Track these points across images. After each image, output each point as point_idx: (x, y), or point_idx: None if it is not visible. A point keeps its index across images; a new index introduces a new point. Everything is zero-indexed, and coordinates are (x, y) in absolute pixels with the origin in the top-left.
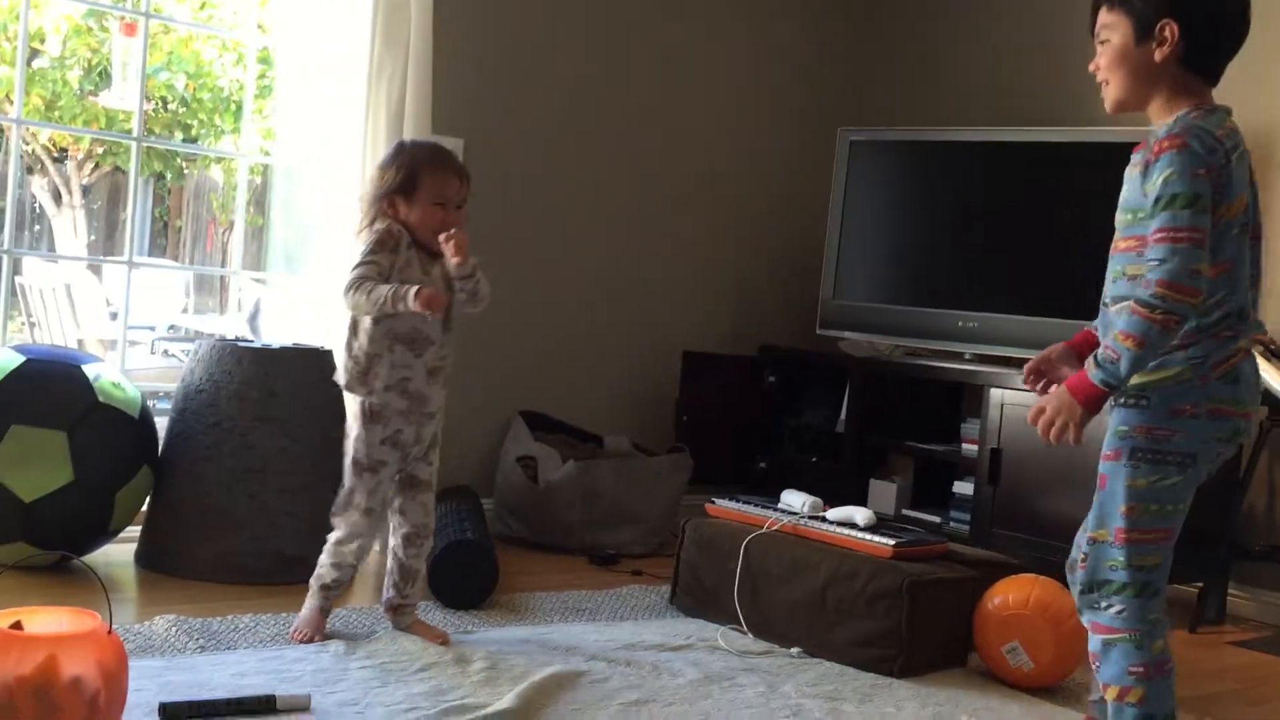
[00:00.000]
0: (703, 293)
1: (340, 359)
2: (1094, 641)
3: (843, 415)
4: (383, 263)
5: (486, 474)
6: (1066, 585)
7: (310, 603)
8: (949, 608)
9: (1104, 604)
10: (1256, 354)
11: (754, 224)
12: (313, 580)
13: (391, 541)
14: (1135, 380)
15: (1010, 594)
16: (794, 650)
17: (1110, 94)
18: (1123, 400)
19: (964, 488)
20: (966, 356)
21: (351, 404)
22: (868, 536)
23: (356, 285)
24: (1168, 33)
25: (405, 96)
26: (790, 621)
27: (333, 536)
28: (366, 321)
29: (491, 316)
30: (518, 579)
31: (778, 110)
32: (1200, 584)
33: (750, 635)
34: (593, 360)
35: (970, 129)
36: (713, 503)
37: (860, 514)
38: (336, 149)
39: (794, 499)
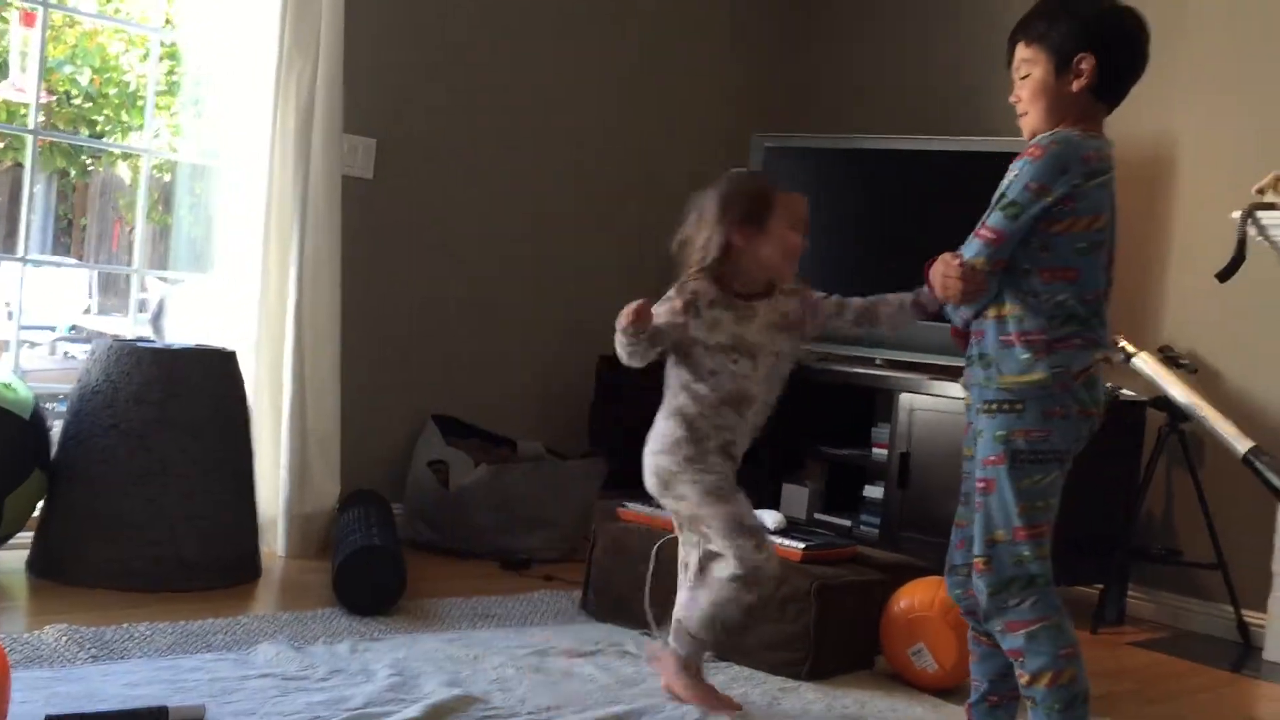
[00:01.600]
0: (620, 296)
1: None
2: (1014, 640)
3: None
4: (665, 330)
5: (397, 479)
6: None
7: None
8: (857, 611)
9: (1016, 601)
10: (1155, 361)
11: (672, 228)
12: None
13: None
14: (1007, 386)
15: (916, 597)
16: (705, 654)
17: (1028, 123)
18: (997, 407)
19: (874, 491)
20: (877, 362)
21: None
22: (778, 540)
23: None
24: (1085, 65)
25: (315, 94)
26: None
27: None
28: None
29: (404, 318)
30: (427, 585)
31: (695, 114)
32: (1101, 586)
33: (661, 640)
34: (508, 364)
35: (882, 137)
36: (625, 506)
37: (771, 517)
38: (244, 147)
39: None
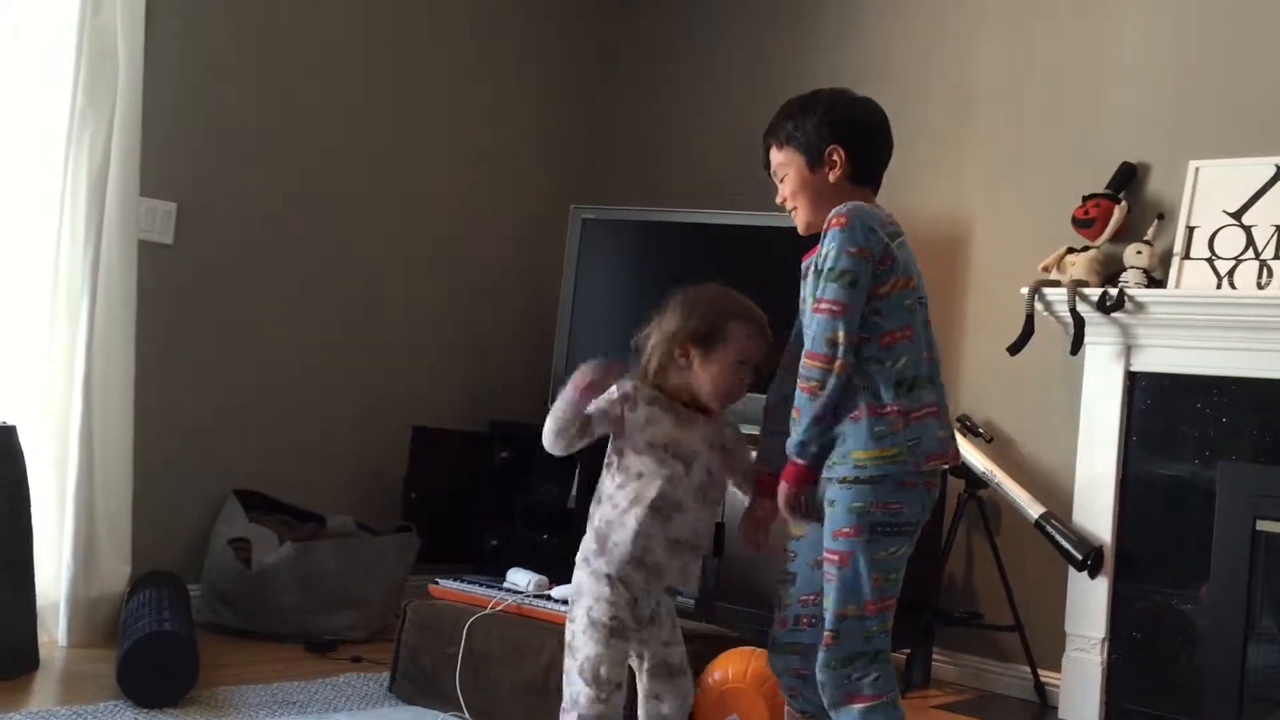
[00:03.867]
0: (434, 365)
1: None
2: (848, 715)
3: (574, 491)
4: (597, 417)
5: (195, 558)
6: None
7: None
8: None
9: (860, 675)
10: (955, 430)
11: (488, 297)
12: None
13: None
14: (861, 459)
15: (729, 667)
16: None
17: (800, 218)
18: (853, 479)
19: None
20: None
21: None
22: None
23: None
24: (836, 156)
25: (110, 154)
26: (513, 704)
27: None
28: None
29: (205, 389)
30: (224, 672)
31: (513, 184)
32: (908, 650)
33: None
34: (316, 436)
35: (695, 211)
36: (436, 583)
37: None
38: (30, 210)
39: (520, 577)
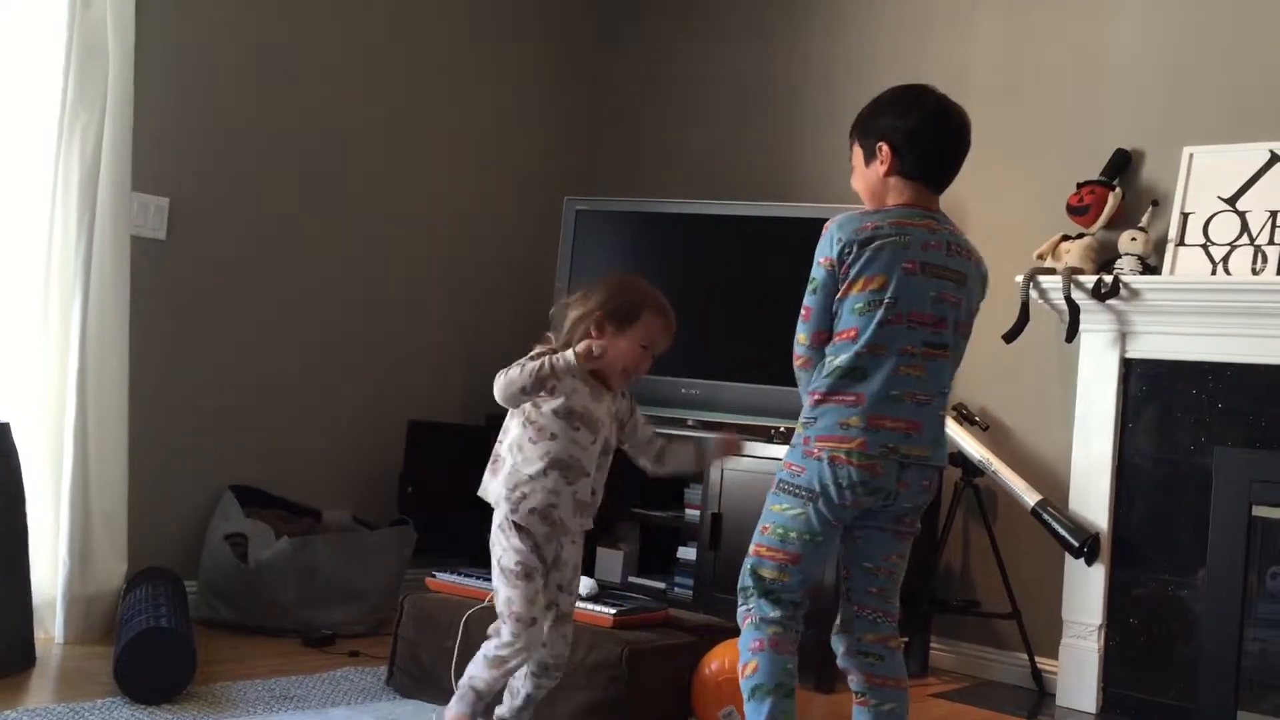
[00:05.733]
0: (429, 359)
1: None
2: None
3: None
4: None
5: (192, 555)
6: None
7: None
8: (669, 674)
9: (740, 603)
10: (951, 419)
11: (484, 290)
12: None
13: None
14: (795, 428)
15: (726, 658)
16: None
17: (863, 204)
18: (790, 443)
19: (688, 553)
20: (689, 423)
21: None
22: (589, 606)
23: (508, 368)
24: (883, 151)
25: (101, 151)
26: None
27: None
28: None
29: (199, 385)
30: (221, 668)
31: (508, 177)
32: (905, 639)
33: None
34: (312, 431)
35: (686, 202)
36: (433, 576)
37: (583, 583)
38: (21, 206)
39: None
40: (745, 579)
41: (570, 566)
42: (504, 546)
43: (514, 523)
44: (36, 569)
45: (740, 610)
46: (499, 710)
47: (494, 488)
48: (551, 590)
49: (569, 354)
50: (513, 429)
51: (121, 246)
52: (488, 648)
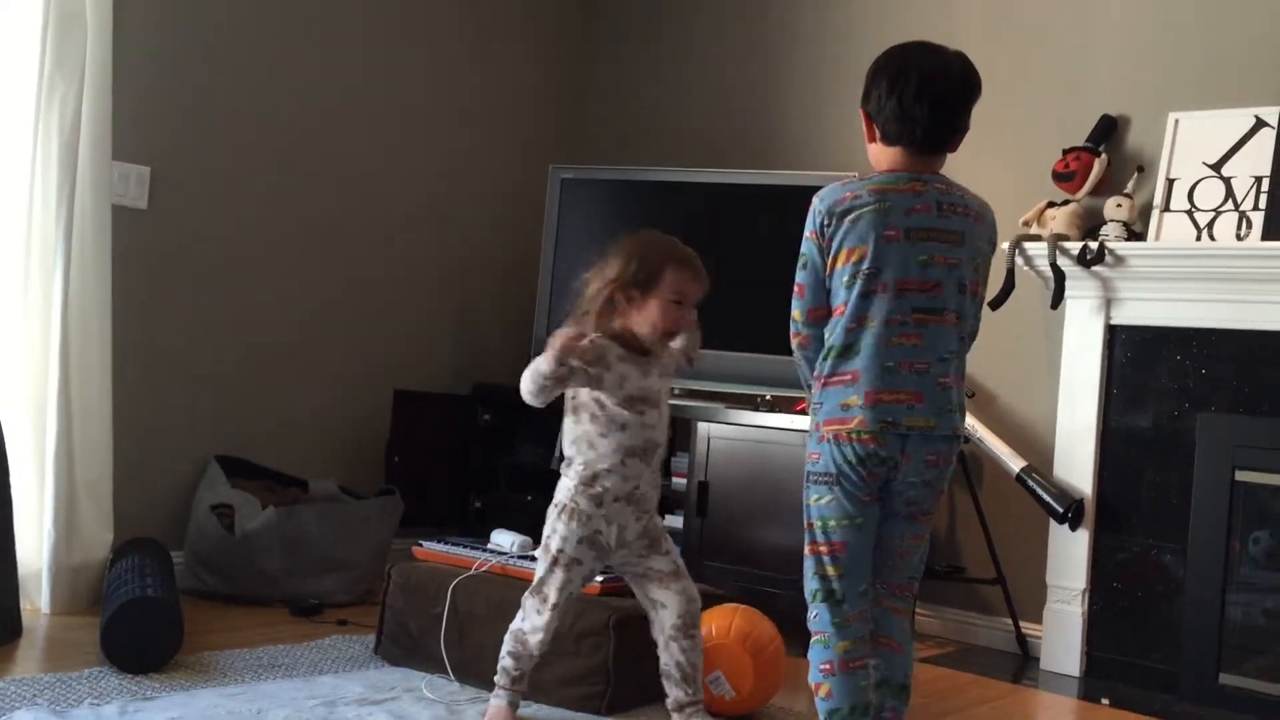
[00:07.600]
0: (415, 328)
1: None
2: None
3: (557, 453)
4: (578, 373)
5: (177, 525)
6: (769, 613)
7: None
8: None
9: (809, 612)
10: None
11: (470, 258)
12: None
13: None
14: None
15: (713, 624)
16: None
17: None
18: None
19: (675, 521)
20: (675, 391)
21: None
22: None
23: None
24: (866, 122)
25: (80, 120)
26: (498, 665)
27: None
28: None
29: (183, 354)
30: (209, 637)
31: (492, 144)
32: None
33: (457, 682)
34: (297, 400)
35: (673, 169)
36: (420, 545)
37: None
38: (1, 176)
39: (503, 539)
40: (806, 582)
41: (641, 537)
42: (554, 529)
43: (571, 508)
44: (22, 540)
45: (808, 619)
46: (669, 702)
47: (563, 486)
48: (632, 563)
49: (555, 351)
50: (574, 427)
51: (102, 216)
52: (516, 624)
